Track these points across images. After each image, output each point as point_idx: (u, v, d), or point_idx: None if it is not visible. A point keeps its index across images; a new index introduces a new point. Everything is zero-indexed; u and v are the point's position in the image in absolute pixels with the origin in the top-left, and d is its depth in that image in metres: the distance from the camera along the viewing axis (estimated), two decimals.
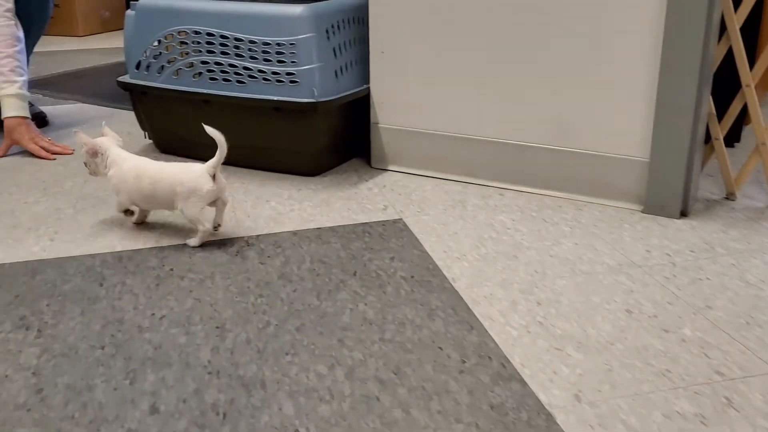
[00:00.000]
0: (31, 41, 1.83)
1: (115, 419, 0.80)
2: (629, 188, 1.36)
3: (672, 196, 1.32)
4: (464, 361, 0.90)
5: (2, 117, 1.68)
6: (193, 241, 1.23)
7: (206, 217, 1.22)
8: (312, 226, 1.30)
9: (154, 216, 1.34)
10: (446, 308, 1.02)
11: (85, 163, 1.29)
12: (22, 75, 1.69)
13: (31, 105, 1.80)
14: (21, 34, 1.72)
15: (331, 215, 1.35)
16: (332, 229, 1.29)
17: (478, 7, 1.37)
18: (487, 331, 0.97)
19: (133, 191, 1.25)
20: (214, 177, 1.19)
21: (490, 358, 0.91)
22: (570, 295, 1.06)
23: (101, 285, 1.10)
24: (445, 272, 1.13)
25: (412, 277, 1.11)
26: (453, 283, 1.09)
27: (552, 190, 1.43)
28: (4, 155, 1.69)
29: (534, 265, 1.15)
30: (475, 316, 1.00)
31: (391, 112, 1.53)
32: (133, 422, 0.80)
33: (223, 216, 1.24)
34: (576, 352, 0.92)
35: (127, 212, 1.32)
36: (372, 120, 1.56)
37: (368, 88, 1.55)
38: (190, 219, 1.22)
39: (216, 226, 1.24)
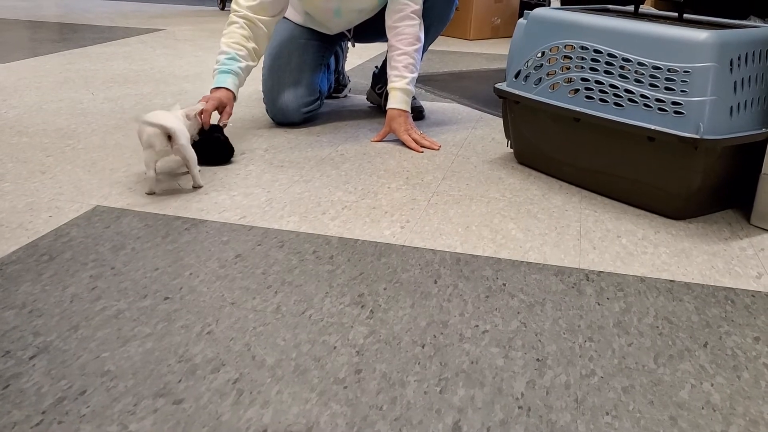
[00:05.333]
0: (428, 40, 1.95)
1: (419, 424, 0.79)
2: None
3: None
4: None
5: (387, 107, 1.82)
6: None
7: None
8: (664, 276, 1.16)
9: (501, 223, 1.32)
10: None
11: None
12: (412, 72, 1.81)
13: (413, 98, 1.93)
14: (422, 34, 1.84)
15: (689, 269, 1.19)
16: (687, 285, 1.13)
17: None
18: None
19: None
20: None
21: None
22: None
23: (435, 282, 1.11)
24: None
25: None
26: None
27: None
28: (381, 141, 1.84)
29: None
30: None
31: None
32: None
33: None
34: None
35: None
36: (763, 170, 1.34)
37: (766, 132, 1.33)
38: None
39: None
